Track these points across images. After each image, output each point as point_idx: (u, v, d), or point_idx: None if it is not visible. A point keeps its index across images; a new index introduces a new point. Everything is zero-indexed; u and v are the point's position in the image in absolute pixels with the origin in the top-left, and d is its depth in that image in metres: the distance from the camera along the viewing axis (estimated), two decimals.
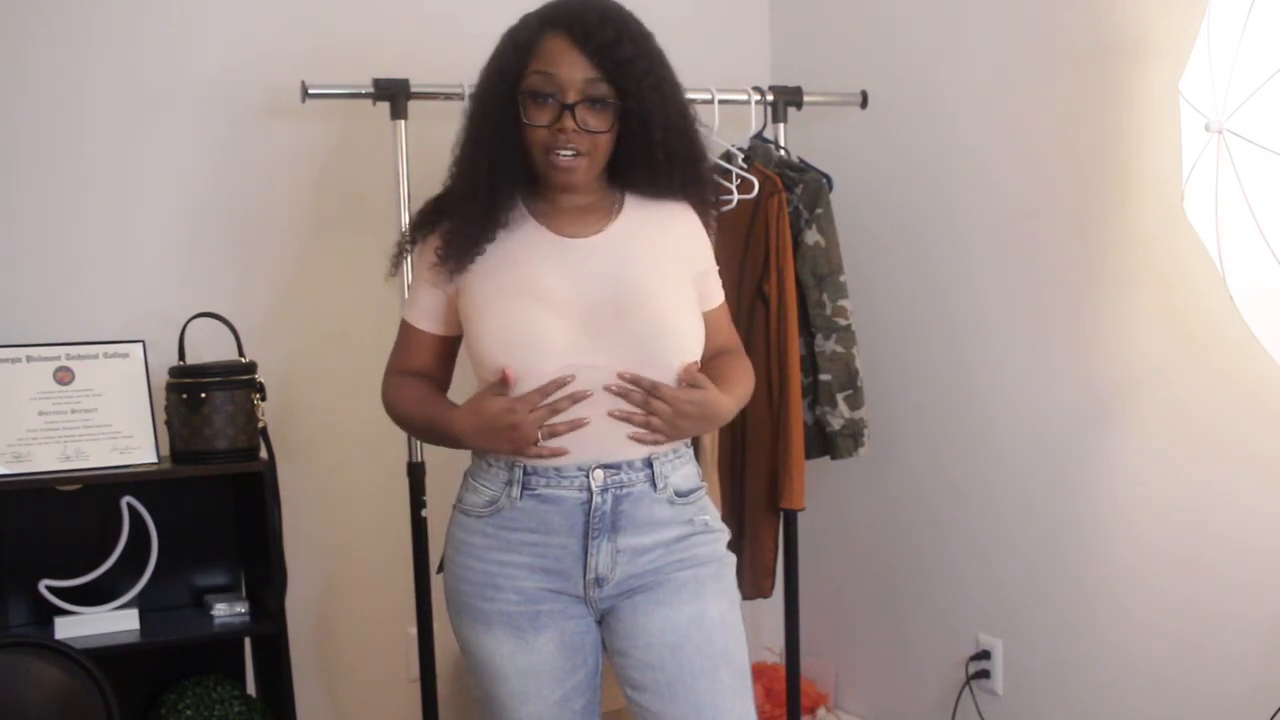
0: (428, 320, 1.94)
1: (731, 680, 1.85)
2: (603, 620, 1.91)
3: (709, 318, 1.96)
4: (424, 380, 1.96)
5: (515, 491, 1.85)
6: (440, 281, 1.90)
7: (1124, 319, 2.45)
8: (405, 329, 1.98)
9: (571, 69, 1.78)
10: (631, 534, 1.85)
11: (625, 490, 1.84)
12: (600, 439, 1.83)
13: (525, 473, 1.84)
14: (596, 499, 1.83)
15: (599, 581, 1.86)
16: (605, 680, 2.04)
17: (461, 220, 1.86)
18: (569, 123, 1.78)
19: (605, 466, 1.84)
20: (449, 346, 1.97)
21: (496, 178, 1.85)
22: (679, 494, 1.88)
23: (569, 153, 1.80)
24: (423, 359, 1.97)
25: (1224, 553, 2.30)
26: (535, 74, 1.80)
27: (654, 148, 1.83)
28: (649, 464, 1.85)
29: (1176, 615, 2.39)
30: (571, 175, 1.82)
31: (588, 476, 1.83)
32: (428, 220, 1.93)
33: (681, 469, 1.90)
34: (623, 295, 1.82)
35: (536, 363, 1.80)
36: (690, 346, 1.86)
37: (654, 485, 1.86)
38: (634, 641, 1.86)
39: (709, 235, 1.99)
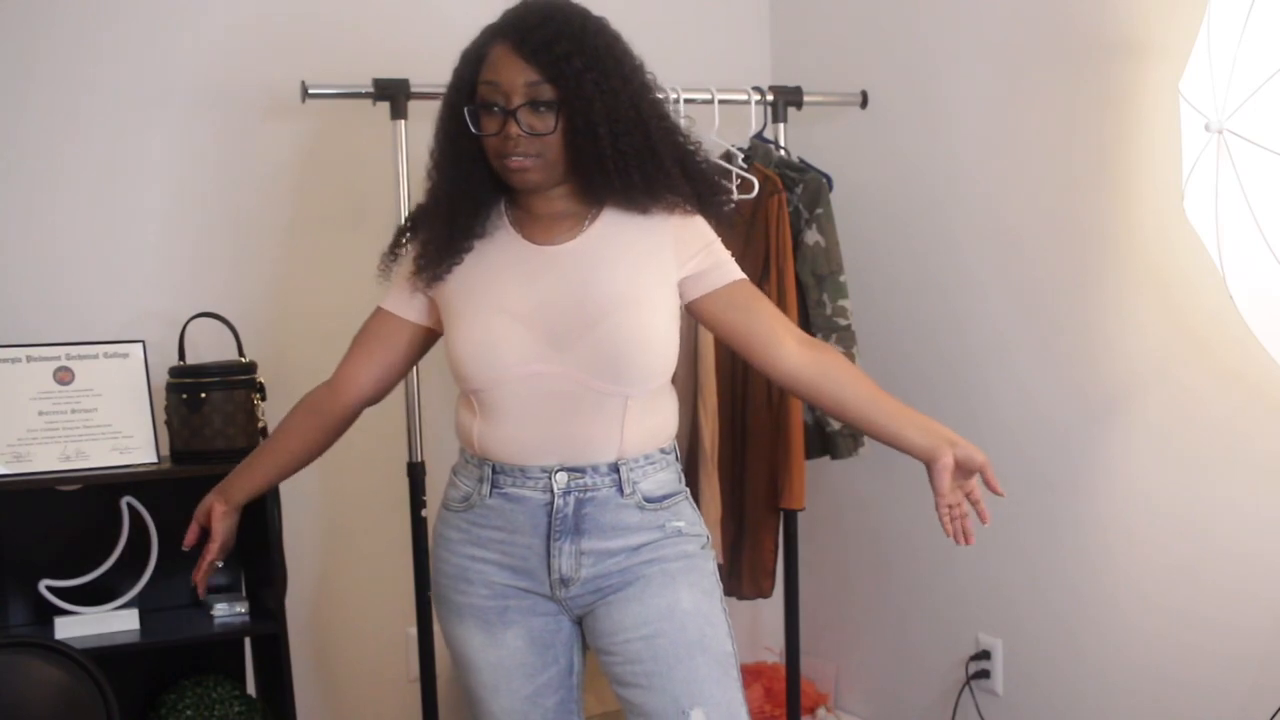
0: (395, 304, 1.95)
1: (709, 668, 1.84)
2: (583, 622, 1.92)
3: (727, 295, 1.89)
4: (305, 414, 2.05)
5: (485, 489, 1.88)
6: (419, 287, 1.92)
7: (1123, 319, 2.45)
8: (372, 316, 2.00)
9: (512, 74, 1.78)
10: (596, 538, 1.86)
11: (589, 494, 1.84)
12: (565, 442, 1.83)
13: (494, 471, 1.87)
14: (558, 501, 1.84)
15: (564, 582, 1.87)
16: (600, 681, 2.04)
17: (433, 235, 1.88)
18: (513, 128, 1.78)
19: (569, 469, 1.84)
20: (406, 333, 1.97)
21: (460, 188, 1.87)
22: (649, 500, 1.87)
23: (519, 157, 1.80)
24: (372, 339, 1.99)
25: (1225, 553, 2.30)
26: (483, 84, 1.81)
27: (602, 145, 1.79)
28: (615, 469, 1.85)
29: (1177, 615, 2.39)
30: (525, 177, 1.82)
31: (550, 478, 1.84)
32: (407, 233, 1.96)
33: (655, 475, 1.89)
34: (588, 303, 1.81)
35: (497, 371, 1.82)
36: (660, 355, 1.85)
37: (620, 490, 1.85)
38: (612, 639, 1.87)
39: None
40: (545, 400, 1.82)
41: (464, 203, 1.87)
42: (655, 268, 1.87)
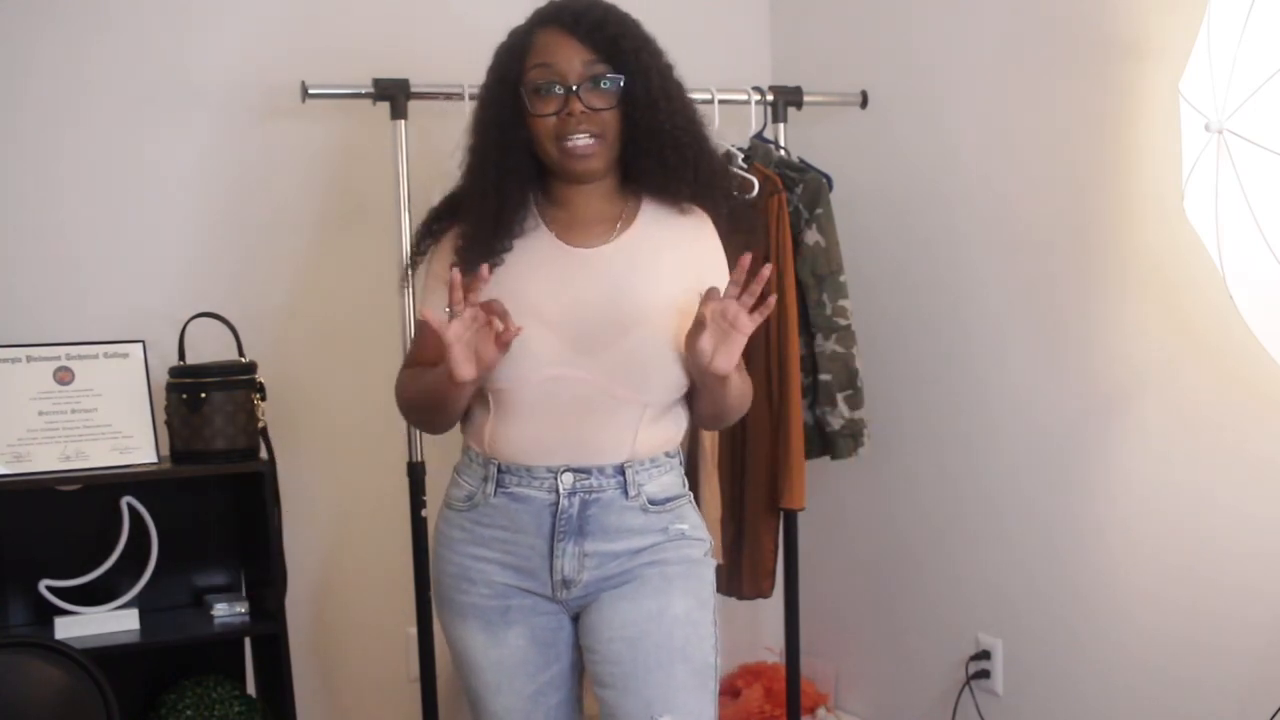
0: (441, 310, 1.93)
1: (686, 677, 1.84)
2: (578, 619, 1.92)
3: None
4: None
5: (490, 488, 1.87)
6: None
7: (1123, 319, 2.45)
8: (419, 324, 1.98)
9: (569, 54, 1.80)
10: (599, 539, 1.86)
11: (594, 495, 1.84)
12: (577, 444, 1.83)
13: (499, 470, 1.86)
14: (563, 502, 1.84)
15: (566, 583, 1.87)
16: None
17: (475, 225, 1.86)
18: (576, 106, 1.79)
19: (575, 470, 1.84)
20: None
21: (505, 181, 1.85)
22: (653, 502, 1.88)
23: (582, 137, 1.80)
24: (434, 348, 1.95)
25: (1224, 553, 2.30)
26: (535, 68, 1.81)
27: (660, 120, 1.82)
28: (621, 471, 1.85)
29: (1177, 615, 2.39)
30: (588, 160, 1.82)
31: (556, 479, 1.84)
32: (441, 220, 1.93)
33: (660, 478, 1.89)
34: (620, 310, 1.81)
35: (522, 373, 1.81)
36: (684, 368, 1.84)
37: (625, 493, 1.85)
38: (597, 637, 1.87)
39: (754, 229, 1.96)
40: (564, 403, 1.82)
41: (510, 191, 1.85)
42: (686, 276, 1.86)
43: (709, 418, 1.94)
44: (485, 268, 1.71)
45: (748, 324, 1.70)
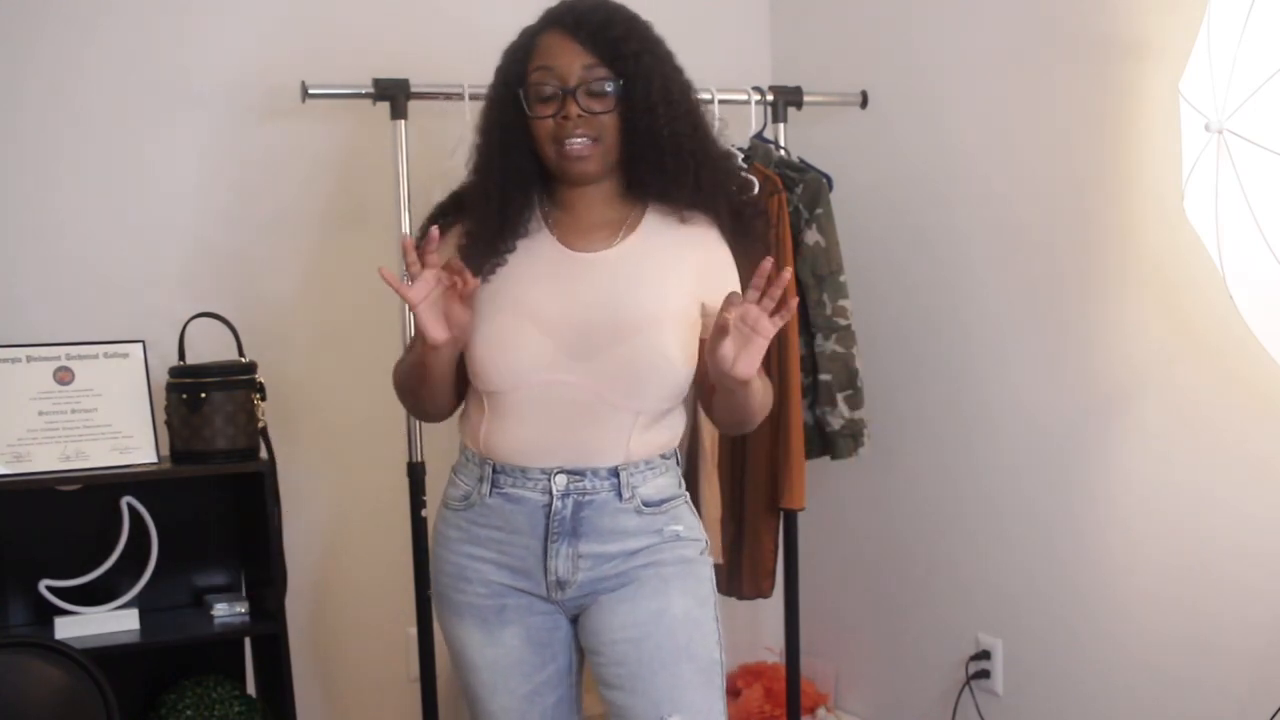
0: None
1: (693, 675, 1.85)
2: (577, 621, 1.92)
3: None
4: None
5: (485, 488, 1.87)
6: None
7: (1123, 319, 2.45)
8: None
9: (569, 58, 1.80)
10: (593, 541, 1.86)
11: (588, 497, 1.84)
12: (570, 447, 1.83)
13: (494, 470, 1.87)
14: (557, 503, 1.84)
15: (561, 584, 1.87)
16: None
17: (479, 225, 1.86)
18: (573, 108, 1.79)
19: (569, 472, 1.84)
20: None
21: (509, 182, 1.85)
22: (647, 504, 1.87)
23: (579, 140, 1.80)
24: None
25: (1224, 553, 2.30)
26: (536, 70, 1.82)
27: (659, 124, 1.81)
28: (615, 473, 1.85)
29: (1176, 615, 2.39)
30: (585, 164, 1.82)
31: (550, 480, 1.84)
32: (447, 214, 1.93)
33: (654, 480, 1.89)
34: (618, 318, 1.81)
35: (514, 377, 1.82)
36: (678, 379, 1.85)
37: (619, 495, 1.85)
38: (600, 639, 1.87)
39: (759, 238, 1.92)
40: (558, 407, 1.82)
41: (514, 192, 1.85)
42: (687, 287, 1.86)
43: (731, 424, 1.93)
44: (435, 229, 1.73)
45: (769, 328, 1.69)
